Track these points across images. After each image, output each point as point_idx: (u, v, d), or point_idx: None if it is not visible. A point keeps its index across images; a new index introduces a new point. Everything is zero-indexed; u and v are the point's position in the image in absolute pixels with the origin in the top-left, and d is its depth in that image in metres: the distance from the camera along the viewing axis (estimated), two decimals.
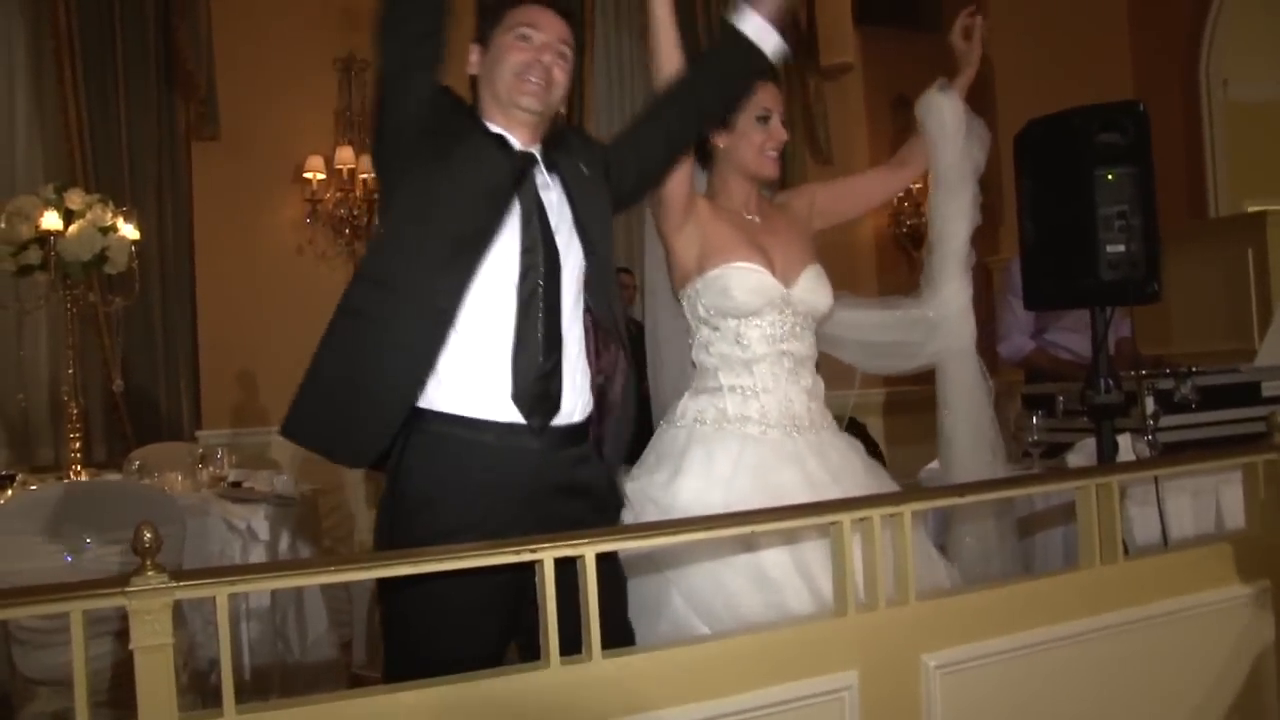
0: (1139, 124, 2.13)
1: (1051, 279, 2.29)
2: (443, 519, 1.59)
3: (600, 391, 1.76)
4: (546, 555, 1.22)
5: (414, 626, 1.62)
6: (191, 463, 3.66)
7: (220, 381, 5.10)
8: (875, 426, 5.41)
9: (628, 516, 1.84)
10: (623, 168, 1.84)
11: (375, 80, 1.69)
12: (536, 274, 1.67)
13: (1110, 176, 2.10)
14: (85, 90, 4.81)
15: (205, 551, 2.98)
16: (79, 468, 3.45)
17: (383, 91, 1.69)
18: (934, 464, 2.45)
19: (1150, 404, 2.47)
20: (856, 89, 6.28)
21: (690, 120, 1.88)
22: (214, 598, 1.07)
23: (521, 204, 1.70)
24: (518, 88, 1.72)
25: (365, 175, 5.23)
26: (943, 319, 2.17)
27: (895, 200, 6.17)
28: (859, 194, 2.26)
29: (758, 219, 2.07)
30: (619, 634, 1.62)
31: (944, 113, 2.18)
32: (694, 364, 2.04)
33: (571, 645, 1.29)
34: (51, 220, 3.29)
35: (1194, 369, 2.59)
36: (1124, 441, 2.35)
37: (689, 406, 1.99)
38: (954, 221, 2.17)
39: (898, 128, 6.31)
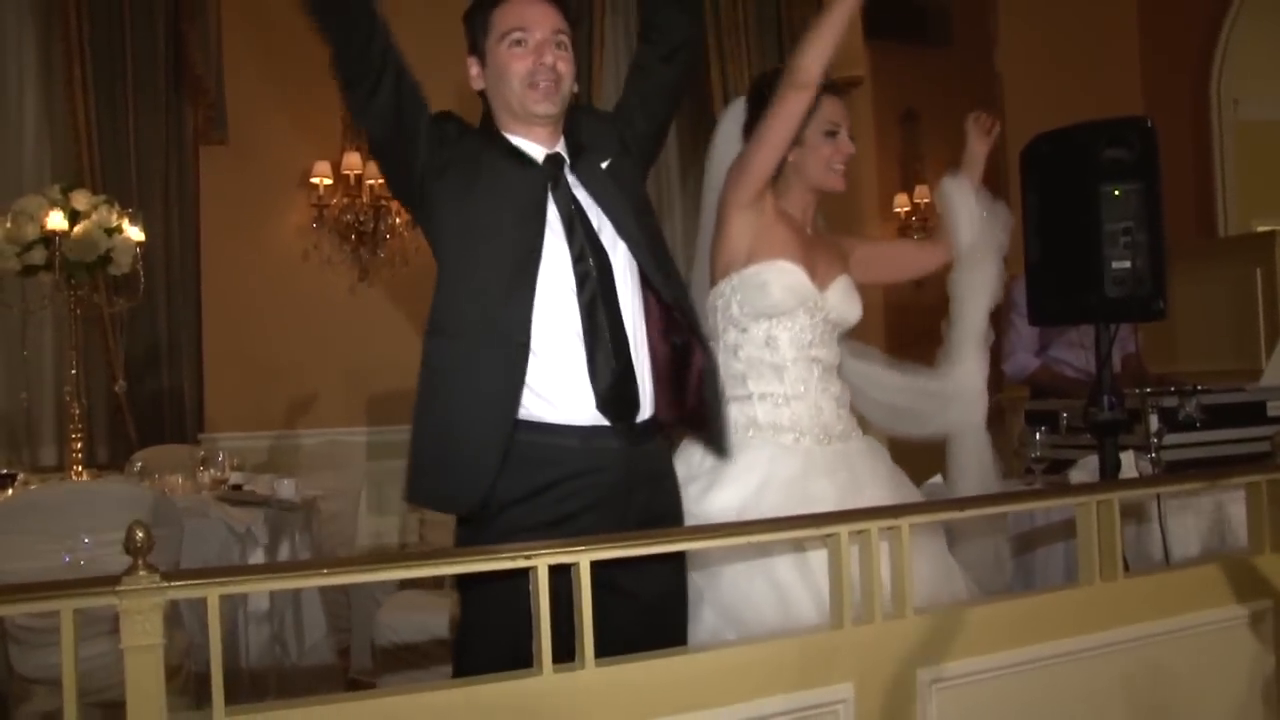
0: (1146, 140, 2.12)
1: (1057, 295, 2.28)
2: (535, 516, 1.61)
3: (680, 353, 1.76)
4: (541, 562, 1.21)
5: (471, 628, 1.67)
6: (193, 465, 3.66)
7: (224, 385, 5.11)
8: (880, 436, 5.39)
9: None
10: (630, 112, 1.84)
11: (368, 144, 1.72)
12: (593, 281, 1.68)
13: (1117, 192, 2.09)
14: (94, 92, 4.82)
15: (204, 554, 2.98)
16: (80, 468, 3.45)
17: (376, 154, 1.72)
18: (936, 478, 2.44)
19: (1154, 422, 2.45)
20: (865, 103, 6.28)
21: (675, 19, 1.83)
22: (206, 599, 1.07)
23: (560, 212, 1.70)
24: (529, 96, 1.71)
25: (372, 181, 5.24)
26: (957, 395, 2.18)
27: (901, 214, 6.17)
28: (891, 258, 2.35)
29: (810, 232, 2.10)
30: (678, 638, 1.69)
31: (956, 198, 2.21)
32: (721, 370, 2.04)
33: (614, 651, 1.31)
34: (57, 220, 3.30)
35: (1199, 387, 2.58)
36: (1127, 459, 2.34)
37: None
38: (971, 298, 2.19)
39: (906, 141, 6.32)
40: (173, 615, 1.05)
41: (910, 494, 2.03)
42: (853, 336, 2.17)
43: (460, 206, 1.68)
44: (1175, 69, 5.98)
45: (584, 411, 1.66)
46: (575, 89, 1.77)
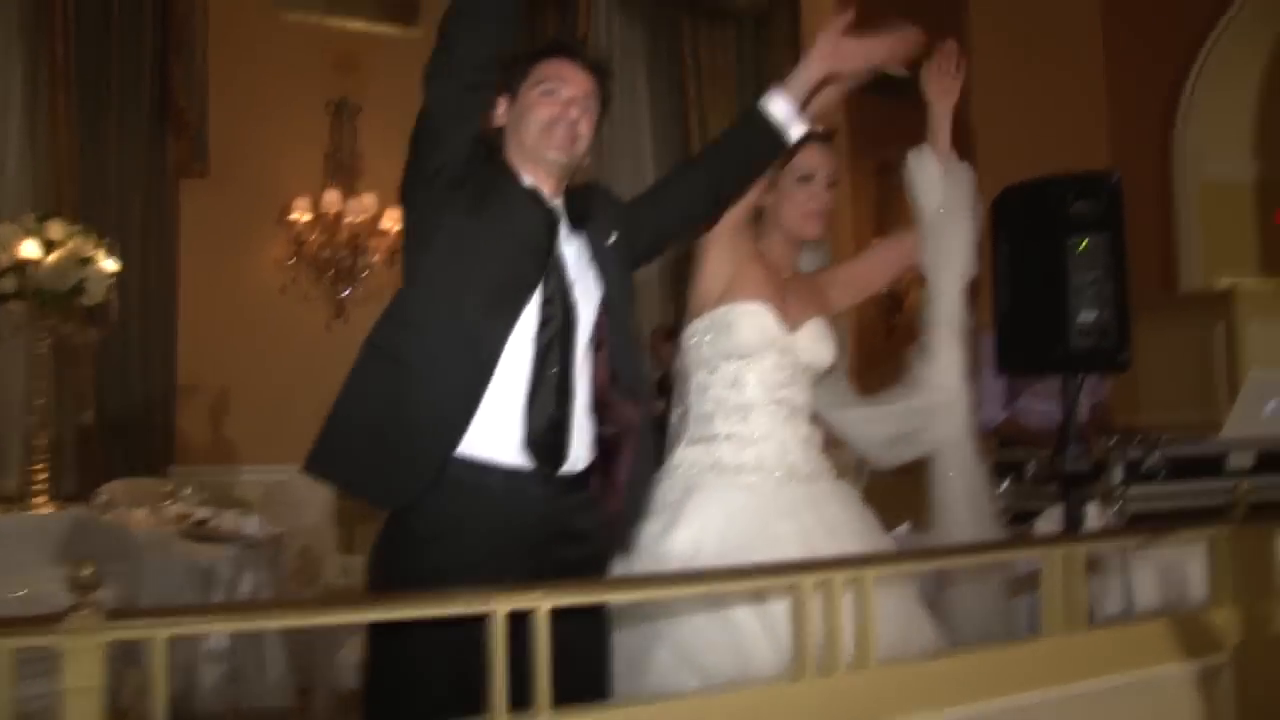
0: (1113, 193, 2.16)
1: (1024, 346, 2.30)
2: (447, 558, 1.60)
3: (612, 443, 1.76)
4: (500, 607, 1.19)
5: (390, 674, 1.61)
6: (159, 499, 3.61)
7: (196, 418, 5.06)
8: (858, 481, 5.39)
9: (620, 567, 1.82)
10: (637, 229, 1.87)
11: (417, 121, 1.71)
12: (554, 324, 1.70)
13: (1083, 245, 2.13)
14: (78, 121, 4.83)
15: (163, 590, 2.93)
16: (44, 499, 3.39)
17: (421, 134, 1.71)
18: (903, 527, 2.44)
19: (1119, 473, 2.47)
20: (841, 154, 6.37)
21: (704, 197, 1.90)
22: (152, 639, 1.04)
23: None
24: (545, 140, 1.75)
25: (350, 219, 5.25)
26: (939, 398, 2.15)
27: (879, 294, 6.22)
28: (872, 264, 2.32)
29: (788, 277, 2.10)
30: (600, 690, 1.65)
31: (916, 169, 2.21)
32: (690, 412, 2.03)
33: (562, 699, 1.26)
34: (29, 249, 3.28)
35: (1163, 438, 2.60)
36: (1091, 510, 2.35)
37: (684, 455, 1.98)
38: (944, 268, 2.16)
39: (881, 192, 6.40)
40: (128, 653, 1.03)
41: (881, 540, 2.02)
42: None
43: (467, 220, 1.69)
44: (1140, 126, 6.11)
45: (510, 450, 1.65)
46: (587, 160, 1.83)
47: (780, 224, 2.08)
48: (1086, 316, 2.10)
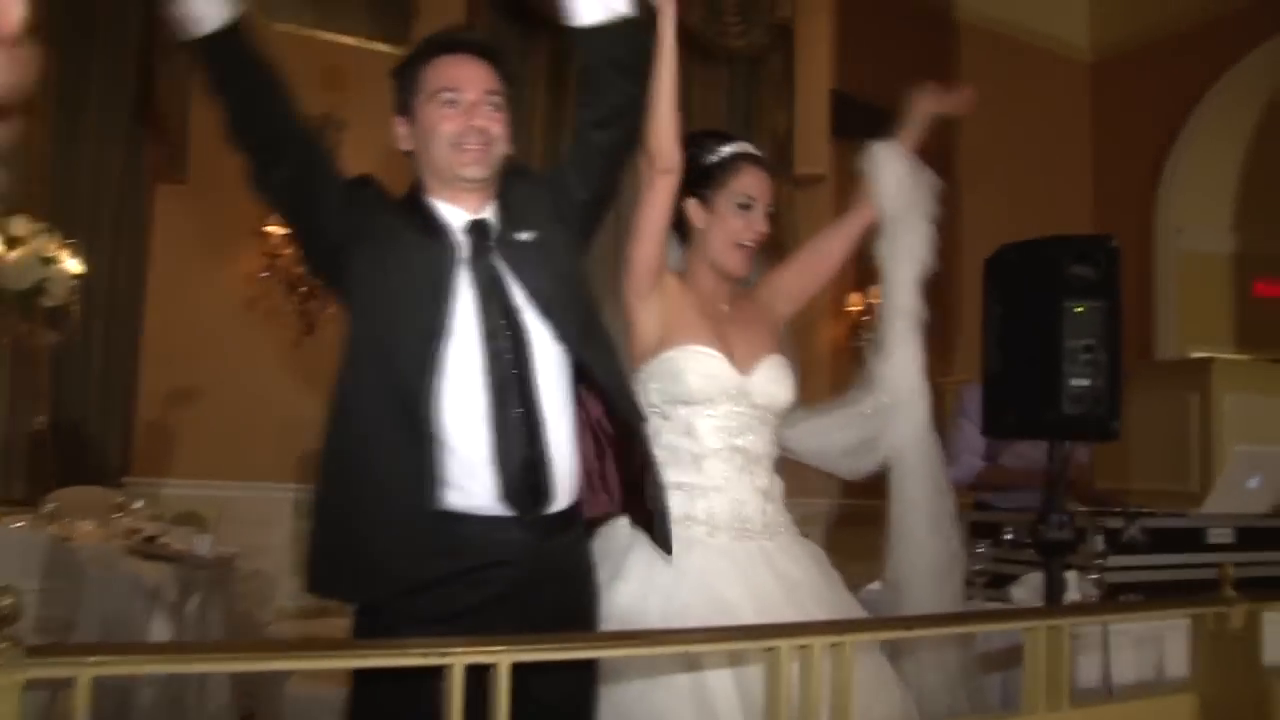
0: (1111, 259, 2.14)
1: (1013, 409, 2.25)
2: (432, 608, 1.50)
3: (635, 489, 1.67)
4: (457, 661, 1.11)
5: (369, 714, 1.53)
6: (108, 511, 3.47)
7: (155, 428, 4.91)
8: (817, 536, 5.34)
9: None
10: (566, 179, 1.72)
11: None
12: (504, 362, 1.57)
13: (1079, 309, 2.09)
14: (55, 118, 4.72)
15: (105, 609, 2.80)
16: None
17: (293, 234, 1.65)
18: (875, 584, 2.37)
19: (1099, 543, 2.43)
20: (827, 199, 6.38)
21: (610, 81, 1.69)
22: (75, 679, 0.95)
23: (479, 284, 1.59)
24: (457, 159, 1.62)
25: None
26: (893, 396, 2.08)
27: (853, 313, 6.22)
28: (817, 253, 2.19)
29: (726, 307, 2.00)
30: None
31: (882, 163, 2.15)
32: None
33: None
34: None
35: (1142, 509, 2.57)
36: (1070, 579, 2.30)
37: None
38: (899, 266, 2.12)
39: (864, 240, 6.41)
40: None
41: (844, 599, 1.92)
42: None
43: (371, 282, 1.57)
44: (1123, 194, 6.20)
45: (488, 499, 1.55)
46: (509, 151, 1.68)
47: (707, 252, 1.98)
48: (1079, 383, 2.06)
